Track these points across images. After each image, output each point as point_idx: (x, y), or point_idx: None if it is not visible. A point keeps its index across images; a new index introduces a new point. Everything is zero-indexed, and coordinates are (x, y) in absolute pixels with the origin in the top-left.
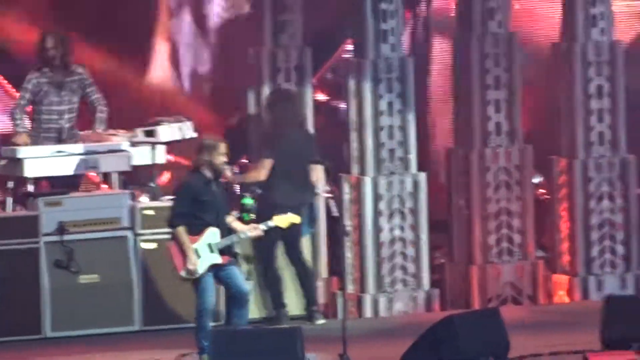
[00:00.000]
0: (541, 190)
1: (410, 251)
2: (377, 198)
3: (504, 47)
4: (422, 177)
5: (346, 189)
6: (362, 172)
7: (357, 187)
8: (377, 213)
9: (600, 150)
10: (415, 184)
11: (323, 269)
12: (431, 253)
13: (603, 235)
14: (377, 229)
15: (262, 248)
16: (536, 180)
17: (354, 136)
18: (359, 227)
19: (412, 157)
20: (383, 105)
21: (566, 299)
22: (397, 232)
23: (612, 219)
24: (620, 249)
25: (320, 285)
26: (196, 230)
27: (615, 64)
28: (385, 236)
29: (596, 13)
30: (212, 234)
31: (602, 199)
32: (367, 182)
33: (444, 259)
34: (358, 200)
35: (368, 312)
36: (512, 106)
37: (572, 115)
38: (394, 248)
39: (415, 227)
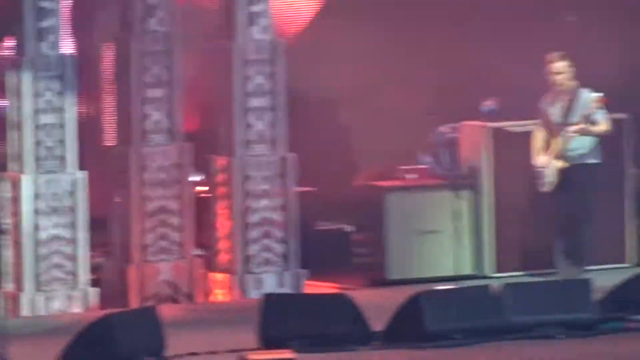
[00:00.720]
0: (201, 188)
1: (68, 250)
2: (35, 196)
3: (163, 45)
4: (81, 175)
5: (4, 187)
6: (21, 170)
7: (16, 185)
8: (35, 211)
9: (259, 149)
10: (74, 183)
11: None
12: (90, 252)
13: (262, 233)
14: (35, 227)
15: None
16: (196, 178)
17: (12, 134)
18: (17, 225)
19: (71, 155)
20: (42, 103)
21: (225, 297)
22: (55, 231)
23: (270, 218)
24: (278, 247)
25: None
26: None
27: (275, 62)
28: (43, 234)
29: (256, 11)
30: None
31: (260, 197)
32: (26, 180)
33: (103, 257)
34: (16, 198)
35: (26, 310)
36: (172, 104)
37: (230, 113)
38: (52, 246)
39: (73, 226)
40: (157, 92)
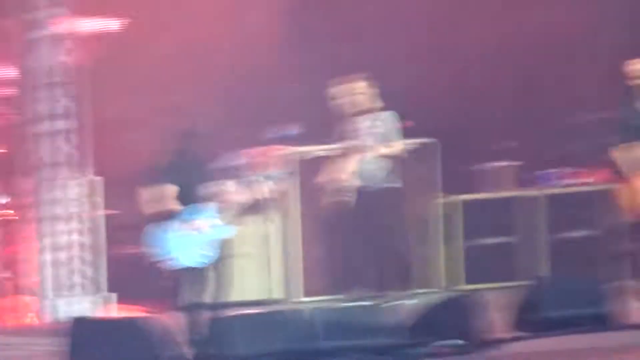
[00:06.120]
0: (8, 212)
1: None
2: None
3: None
4: None
5: None
6: None
7: None
8: None
9: (65, 171)
10: None
11: None
12: None
13: (69, 256)
14: None
15: None
16: (2, 200)
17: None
18: None
19: None
20: None
21: (32, 321)
22: None
23: (78, 241)
24: (87, 270)
25: None
26: None
27: (80, 85)
28: None
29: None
30: None
31: (67, 220)
32: None
33: None
34: None
35: None
36: None
37: (37, 135)
38: None
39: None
40: None
